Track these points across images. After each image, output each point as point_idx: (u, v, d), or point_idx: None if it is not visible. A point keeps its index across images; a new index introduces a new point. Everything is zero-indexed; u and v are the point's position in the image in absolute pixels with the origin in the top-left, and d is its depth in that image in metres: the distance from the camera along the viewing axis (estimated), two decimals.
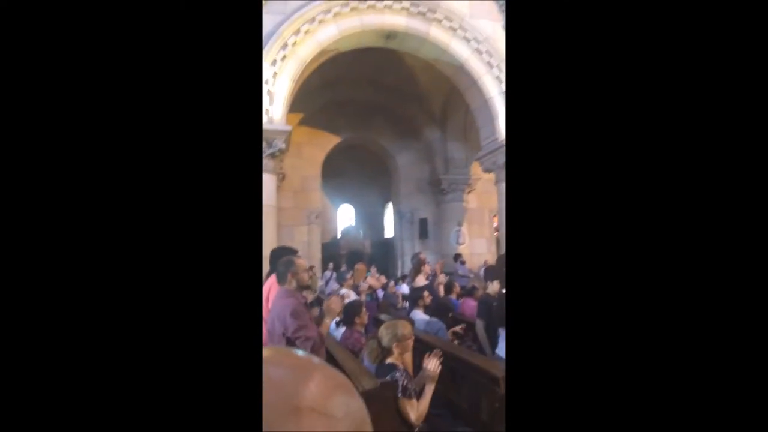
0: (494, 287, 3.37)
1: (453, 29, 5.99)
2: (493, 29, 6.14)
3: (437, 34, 5.98)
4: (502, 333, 3.10)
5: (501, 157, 6.21)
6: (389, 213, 10.40)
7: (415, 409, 2.17)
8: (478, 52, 6.08)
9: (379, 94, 8.96)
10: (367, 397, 2.08)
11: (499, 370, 2.60)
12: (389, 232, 10.35)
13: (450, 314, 4.42)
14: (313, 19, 5.44)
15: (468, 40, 6.04)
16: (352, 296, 4.42)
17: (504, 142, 6.14)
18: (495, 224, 8.90)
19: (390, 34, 6.05)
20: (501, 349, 3.08)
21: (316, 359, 0.35)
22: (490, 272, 3.71)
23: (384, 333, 2.46)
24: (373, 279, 5.92)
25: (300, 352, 0.36)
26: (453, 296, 4.82)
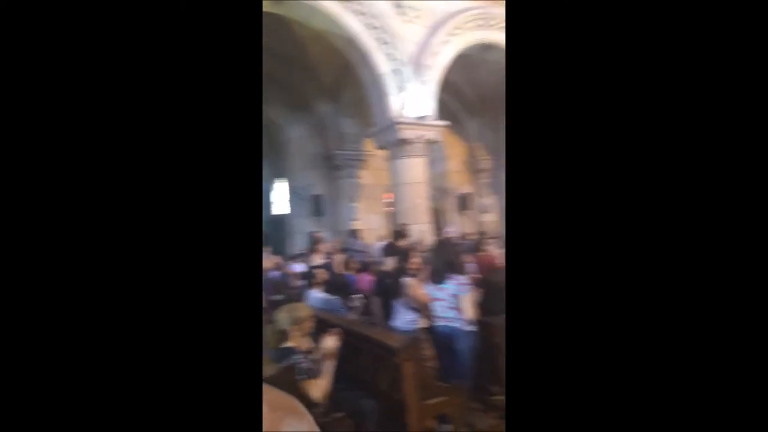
0: (391, 263, 3.49)
1: (345, 1, 5.84)
2: (386, 6, 6.14)
3: (328, 4, 5.77)
4: (397, 306, 3.25)
5: (393, 135, 6.35)
6: (279, 189, 10.02)
7: (318, 388, 2.18)
8: (371, 27, 6.04)
9: (266, 63, 8.40)
10: (270, 383, 2.02)
11: (395, 341, 2.73)
12: (280, 209, 10.00)
13: (347, 291, 4.47)
14: None
15: (361, 14, 5.95)
16: None
17: (396, 120, 6.28)
18: (388, 200, 9.17)
19: None
20: (398, 321, 3.23)
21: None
22: (387, 249, 3.83)
23: (281, 317, 2.39)
24: (265, 259, 5.69)
25: None
26: (351, 273, 4.87)
